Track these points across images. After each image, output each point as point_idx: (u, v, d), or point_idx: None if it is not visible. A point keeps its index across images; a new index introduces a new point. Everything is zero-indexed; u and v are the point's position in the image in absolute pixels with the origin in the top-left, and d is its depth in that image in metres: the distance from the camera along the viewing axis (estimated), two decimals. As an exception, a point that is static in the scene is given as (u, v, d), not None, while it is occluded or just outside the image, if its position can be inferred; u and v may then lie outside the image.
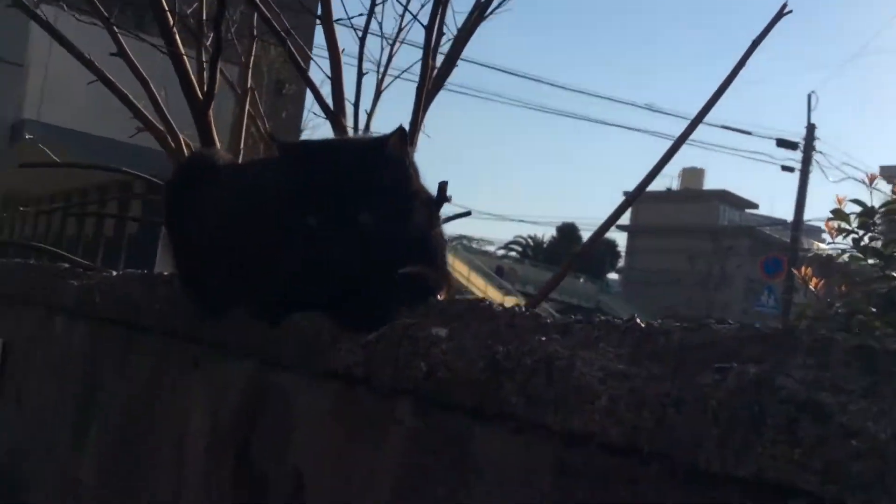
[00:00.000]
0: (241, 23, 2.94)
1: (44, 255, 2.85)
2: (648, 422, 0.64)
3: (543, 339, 0.77)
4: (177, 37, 1.81)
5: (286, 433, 1.08)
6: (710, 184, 45.13)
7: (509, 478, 0.76)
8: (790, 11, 2.37)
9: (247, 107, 2.57)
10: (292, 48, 2.02)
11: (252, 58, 2.82)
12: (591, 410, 0.68)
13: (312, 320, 1.05)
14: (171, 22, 1.80)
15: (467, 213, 2.84)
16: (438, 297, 1.02)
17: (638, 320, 0.76)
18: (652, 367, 0.69)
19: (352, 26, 2.39)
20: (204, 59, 1.90)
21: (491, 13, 2.11)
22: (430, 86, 2.00)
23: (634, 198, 2.35)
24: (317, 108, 2.19)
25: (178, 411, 1.34)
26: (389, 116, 2.33)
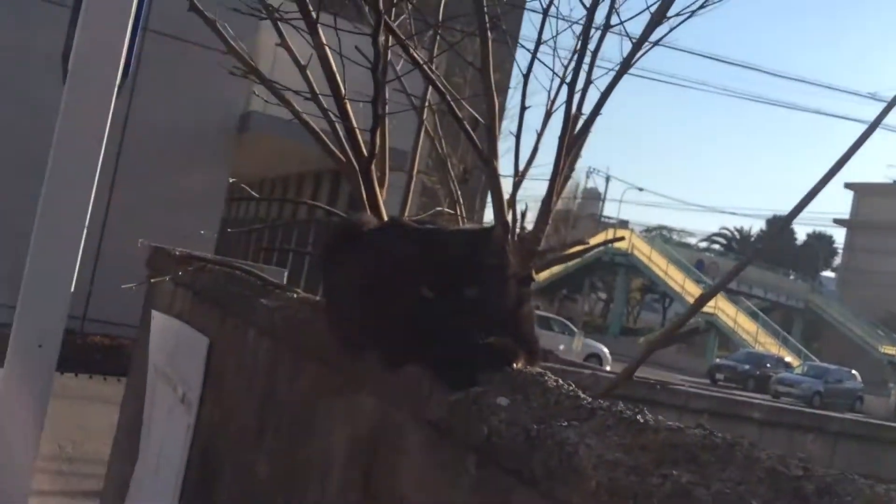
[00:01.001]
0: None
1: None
2: (617, 507, 0.83)
3: (565, 424, 0.97)
4: (348, 106, 2.11)
5: (396, 464, 1.34)
6: (946, 177, 40.84)
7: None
8: None
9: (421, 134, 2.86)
10: (454, 106, 2.26)
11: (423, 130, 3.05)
12: (584, 490, 0.88)
13: (420, 372, 1.30)
14: (344, 92, 2.10)
15: (620, 239, 2.99)
16: (515, 365, 1.24)
17: (639, 417, 0.95)
18: (640, 457, 0.87)
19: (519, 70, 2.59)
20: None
21: (633, 64, 2.25)
22: (571, 137, 2.18)
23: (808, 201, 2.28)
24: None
25: (327, 428, 1.65)
26: (544, 157, 2.52)
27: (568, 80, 2.17)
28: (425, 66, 2.23)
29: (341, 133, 2.63)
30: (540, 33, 2.51)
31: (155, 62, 10.30)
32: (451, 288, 1.23)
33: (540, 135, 2.46)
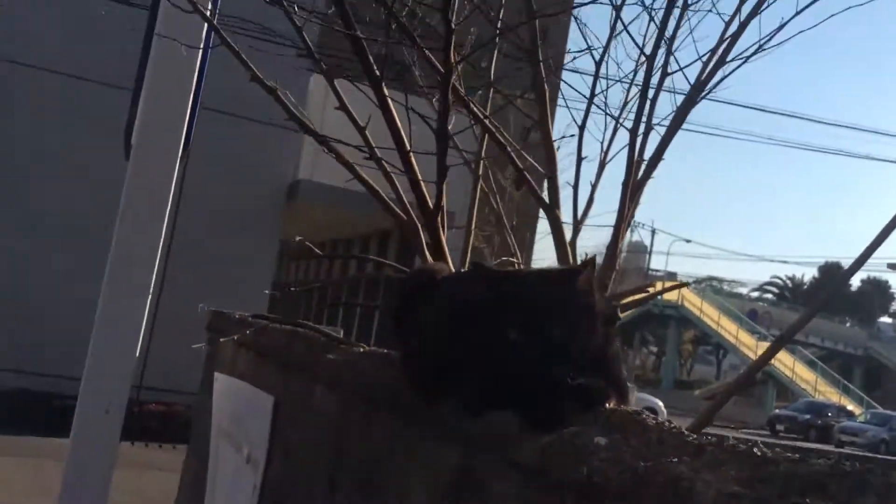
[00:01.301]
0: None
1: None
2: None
3: (675, 460, 0.93)
4: (413, 159, 2.13)
5: (485, 510, 1.29)
6: None
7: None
8: None
9: (478, 190, 2.87)
10: (510, 153, 2.27)
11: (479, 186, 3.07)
12: (703, 527, 0.83)
13: (506, 417, 1.27)
14: (409, 147, 2.12)
15: (685, 284, 2.94)
16: (606, 405, 1.20)
17: (756, 450, 0.90)
18: (762, 489, 0.83)
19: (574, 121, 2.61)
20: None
21: (696, 104, 2.24)
22: (635, 180, 2.16)
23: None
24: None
25: (404, 478, 1.61)
26: (606, 202, 2.51)
27: (629, 125, 2.16)
28: (485, 121, 2.24)
29: (401, 190, 2.66)
30: (593, 88, 2.52)
31: (206, 136, 10.56)
32: (538, 329, 1.20)
33: (595, 184, 2.46)
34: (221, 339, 3.50)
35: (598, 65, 2.36)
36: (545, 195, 2.29)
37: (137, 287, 3.39)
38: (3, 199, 10.29)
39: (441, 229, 2.09)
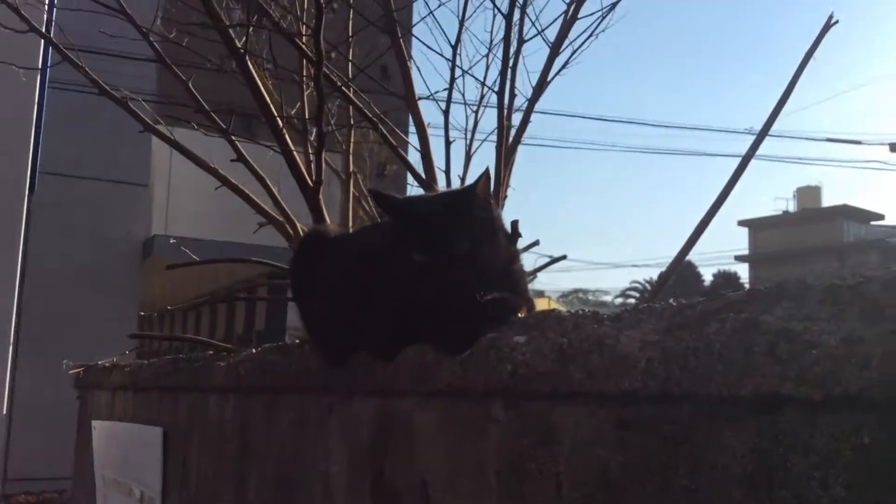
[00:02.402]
0: (339, 115, 3.26)
1: (188, 343, 3.17)
2: (675, 370, 0.81)
3: (596, 326, 0.95)
4: (286, 136, 2.10)
5: (411, 451, 1.27)
6: (828, 201, 43.25)
7: (584, 440, 0.93)
8: (836, 22, 2.49)
9: (351, 189, 2.85)
10: (384, 131, 2.29)
11: (352, 145, 3.13)
12: (634, 373, 0.85)
13: (420, 350, 1.26)
14: (281, 125, 2.09)
15: (562, 258, 3.02)
16: (519, 317, 1.21)
17: (672, 301, 0.93)
18: (681, 333, 0.86)
19: (435, 100, 2.66)
20: (310, 152, 2.19)
21: (556, 76, 2.33)
22: (507, 143, 2.22)
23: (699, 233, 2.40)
24: (416, 184, 2.45)
25: (321, 452, 1.56)
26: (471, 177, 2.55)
27: (496, 89, 2.22)
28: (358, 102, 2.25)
29: (276, 193, 2.62)
30: (452, 74, 2.57)
31: (53, 200, 10.09)
32: (441, 247, 1.19)
33: (469, 149, 2.50)
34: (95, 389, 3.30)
35: (454, 47, 2.41)
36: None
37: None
38: None
39: (322, 207, 2.07)
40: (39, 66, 2.96)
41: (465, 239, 1.18)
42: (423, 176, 2.24)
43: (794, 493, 0.69)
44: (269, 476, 1.81)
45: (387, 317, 1.29)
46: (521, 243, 1.44)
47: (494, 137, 2.52)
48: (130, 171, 10.97)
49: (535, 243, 2.57)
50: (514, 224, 1.32)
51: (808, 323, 0.71)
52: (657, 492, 0.83)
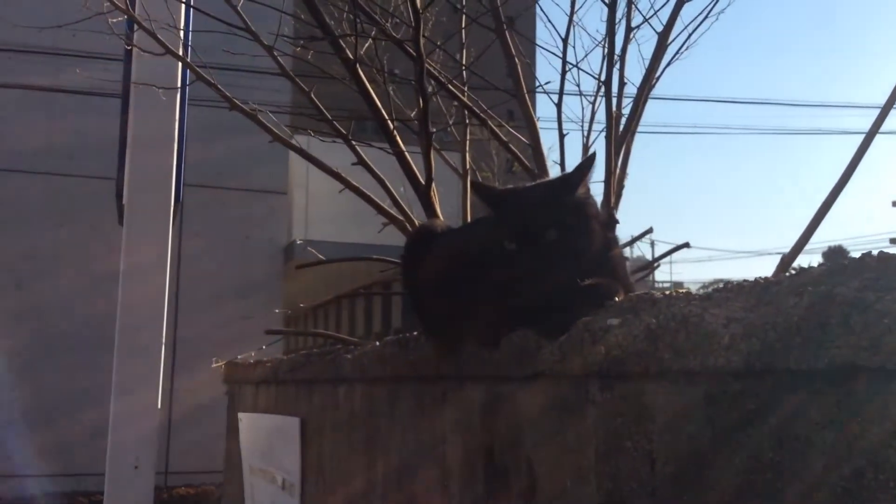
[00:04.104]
0: (457, 113, 3.33)
1: (322, 338, 3.33)
2: (756, 345, 0.82)
3: (683, 305, 0.97)
4: (397, 138, 2.18)
5: (517, 432, 1.32)
6: None
7: (674, 417, 0.95)
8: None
9: (468, 185, 2.92)
10: (493, 127, 2.34)
11: (468, 142, 3.20)
12: (718, 349, 0.87)
13: (522, 335, 1.30)
14: (391, 127, 2.18)
15: (685, 245, 2.97)
16: (615, 300, 1.23)
17: (760, 278, 0.94)
18: (765, 309, 0.86)
19: (546, 93, 2.68)
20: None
21: (668, 65, 2.30)
22: (616, 133, 2.22)
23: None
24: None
25: (437, 436, 1.63)
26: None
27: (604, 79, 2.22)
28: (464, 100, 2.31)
29: (395, 194, 2.71)
30: (563, 67, 2.59)
31: (196, 210, 10.78)
32: (532, 235, 1.22)
33: (587, 142, 2.51)
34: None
35: (568, 27, 2.42)
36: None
37: (150, 331, 3.42)
38: (5, 303, 10.31)
39: (435, 204, 2.14)
40: (178, 85, 3.18)
41: (552, 227, 1.22)
42: (536, 170, 2.28)
43: (873, 463, 0.69)
44: (393, 462, 1.90)
45: (489, 304, 1.34)
46: (633, 232, 1.45)
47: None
48: (270, 180, 11.51)
49: (649, 231, 2.55)
50: (611, 212, 1.34)
51: (882, 293, 0.70)
52: (745, 465, 0.84)
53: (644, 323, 1.01)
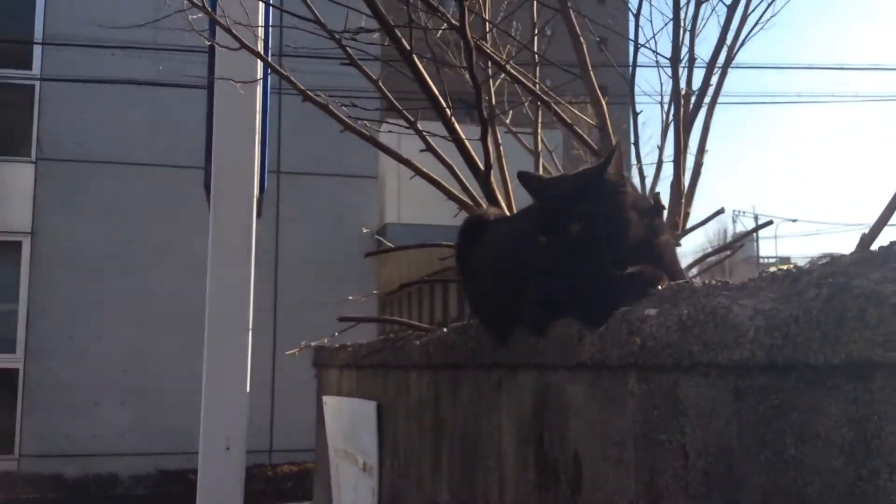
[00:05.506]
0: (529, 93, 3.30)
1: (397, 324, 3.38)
2: (778, 339, 0.78)
3: (717, 295, 0.94)
4: (456, 125, 2.19)
5: (564, 422, 1.31)
6: None
7: (706, 411, 0.92)
8: None
9: (541, 167, 2.90)
10: (558, 111, 2.31)
11: (540, 124, 3.17)
12: (743, 342, 0.84)
13: (566, 324, 1.29)
14: (449, 114, 2.18)
15: (768, 223, 2.87)
16: (658, 289, 1.20)
17: (792, 267, 0.90)
18: (794, 300, 0.83)
19: (618, 71, 2.62)
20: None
21: (741, 46, 2.22)
22: (687, 110, 2.15)
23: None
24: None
25: (493, 424, 1.64)
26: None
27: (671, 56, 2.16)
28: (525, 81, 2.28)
29: (464, 180, 2.72)
30: (636, 46, 2.53)
31: (292, 196, 11.09)
32: (559, 229, 1.21)
33: (665, 127, 2.45)
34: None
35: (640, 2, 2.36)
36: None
37: (237, 321, 3.54)
38: (120, 293, 10.83)
39: (495, 190, 2.13)
40: (258, 77, 3.26)
41: (575, 220, 1.19)
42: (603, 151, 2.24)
43: (888, 463, 0.66)
44: (456, 447, 1.91)
45: (535, 294, 1.33)
46: (705, 213, 1.42)
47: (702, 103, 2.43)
48: (361, 165, 11.69)
49: (720, 211, 2.47)
50: (656, 198, 1.31)
51: (901, 285, 0.67)
52: (769, 461, 0.82)
53: (675, 314, 0.98)
